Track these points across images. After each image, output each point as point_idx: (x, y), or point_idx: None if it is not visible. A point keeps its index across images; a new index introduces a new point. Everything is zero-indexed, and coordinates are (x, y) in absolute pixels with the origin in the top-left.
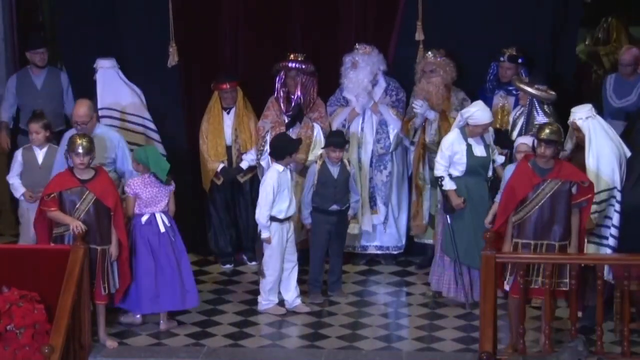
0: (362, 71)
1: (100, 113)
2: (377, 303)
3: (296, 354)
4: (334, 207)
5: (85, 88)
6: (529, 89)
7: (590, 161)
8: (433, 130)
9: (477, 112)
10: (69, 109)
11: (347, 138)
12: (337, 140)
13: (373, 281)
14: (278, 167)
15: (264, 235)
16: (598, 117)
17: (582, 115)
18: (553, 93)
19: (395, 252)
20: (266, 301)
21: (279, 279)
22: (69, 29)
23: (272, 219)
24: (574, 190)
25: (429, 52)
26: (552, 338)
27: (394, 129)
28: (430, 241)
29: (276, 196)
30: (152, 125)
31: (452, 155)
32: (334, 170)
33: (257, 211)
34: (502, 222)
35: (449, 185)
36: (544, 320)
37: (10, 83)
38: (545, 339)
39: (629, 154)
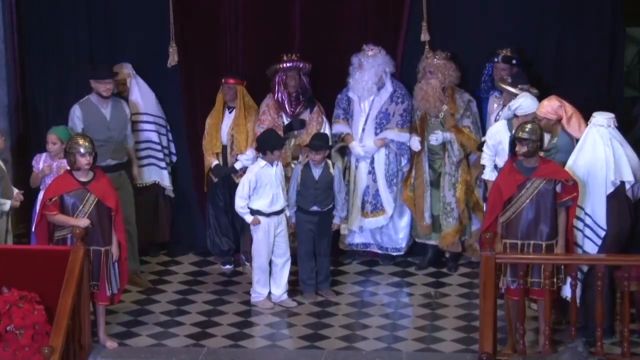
0: (366, 73)
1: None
2: (377, 304)
3: (296, 355)
4: (314, 208)
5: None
6: (512, 89)
7: (569, 164)
8: (456, 150)
9: (525, 101)
10: (129, 140)
11: (331, 143)
12: (316, 143)
13: (373, 281)
14: (260, 162)
15: (248, 219)
16: (610, 130)
17: (596, 120)
18: (535, 91)
19: (394, 254)
20: (255, 294)
21: (267, 273)
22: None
23: (257, 212)
24: (558, 189)
25: (430, 53)
26: (551, 339)
27: (407, 149)
28: (432, 242)
29: (256, 190)
30: (168, 127)
31: (496, 144)
32: (316, 172)
33: (235, 199)
34: (490, 223)
35: (487, 175)
36: (544, 321)
37: (74, 117)
38: (545, 340)
39: (630, 178)
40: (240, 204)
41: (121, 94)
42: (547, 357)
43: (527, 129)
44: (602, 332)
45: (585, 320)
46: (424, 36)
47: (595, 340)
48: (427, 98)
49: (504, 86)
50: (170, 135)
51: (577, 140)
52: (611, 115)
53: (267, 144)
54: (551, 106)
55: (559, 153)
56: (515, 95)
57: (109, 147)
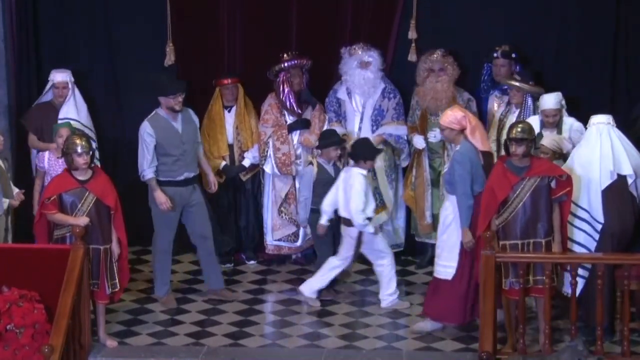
0: (373, 67)
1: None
2: (377, 303)
3: (296, 353)
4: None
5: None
6: (524, 85)
7: (569, 161)
8: (432, 136)
9: (545, 96)
10: (200, 148)
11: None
12: (337, 139)
13: (373, 281)
14: (362, 171)
15: (371, 229)
16: (610, 126)
17: (595, 120)
18: (541, 88)
19: (394, 251)
20: (392, 297)
21: None
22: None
23: (369, 219)
24: (553, 184)
25: (438, 51)
26: (551, 338)
27: (405, 142)
28: (432, 241)
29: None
30: (96, 142)
31: None
32: (330, 170)
33: (355, 216)
34: (486, 226)
35: None
36: (544, 320)
37: (145, 134)
38: (545, 339)
39: (629, 172)
40: (362, 217)
41: (57, 98)
42: (547, 357)
43: (520, 129)
44: (602, 331)
45: (586, 318)
46: (411, 34)
47: (595, 339)
48: (437, 96)
49: (513, 82)
50: (97, 153)
51: (481, 152)
52: (609, 115)
53: (363, 154)
54: (454, 116)
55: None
56: (525, 90)
57: (183, 161)
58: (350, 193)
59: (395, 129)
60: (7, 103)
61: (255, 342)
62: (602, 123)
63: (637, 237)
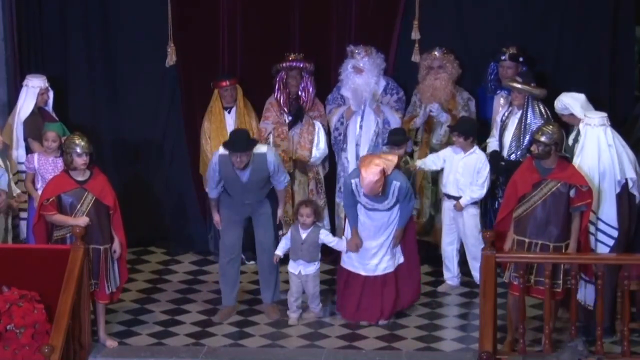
0: (368, 74)
1: None
2: None
3: (296, 354)
4: None
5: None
6: (525, 87)
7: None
8: (442, 131)
9: (560, 101)
10: (280, 185)
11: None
12: (397, 138)
13: None
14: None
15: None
16: (607, 128)
17: (591, 121)
18: (544, 89)
19: None
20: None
21: None
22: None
23: None
24: (572, 193)
25: (436, 49)
26: (552, 338)
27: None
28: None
29: None
30: None
31: None
32: None
33: None
34: (504, 217)
35: None
36: (544, 320)
37: (212, 165)
38: (545, 339)
39: (632, 175)
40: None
41: (38, 104)
42: (547, 357)
43: (546, 132)
44: (602, 331)
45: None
46: (415, 34)
47: (595, 339)
48: (436, 93)
49: (514, 85)
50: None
51: None
52: (604, 114)
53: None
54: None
55: None
56: (526, 92)
57: (246, 199)
58: None
59: (390, 113)
60: (7, 102)
61: (255, 342)
62: (603, 125)
63: (635, 238)
